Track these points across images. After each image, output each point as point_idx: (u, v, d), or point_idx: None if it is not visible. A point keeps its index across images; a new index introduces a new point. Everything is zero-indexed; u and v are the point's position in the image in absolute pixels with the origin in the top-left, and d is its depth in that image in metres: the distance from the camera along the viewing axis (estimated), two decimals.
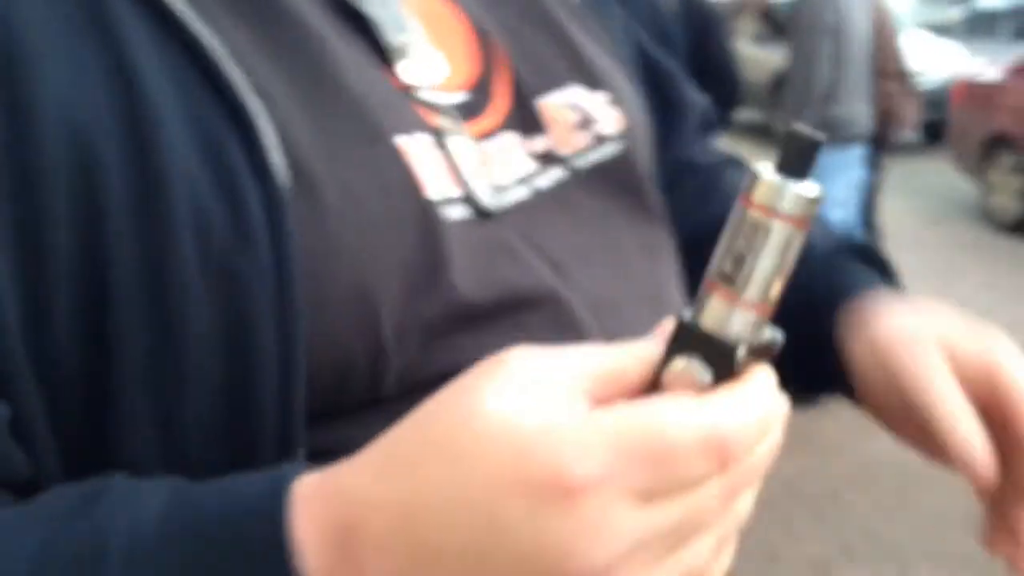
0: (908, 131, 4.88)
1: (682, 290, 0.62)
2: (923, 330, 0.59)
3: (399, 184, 0.47)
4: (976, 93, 7.24)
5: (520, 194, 0.54)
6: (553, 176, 0.56)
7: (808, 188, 0.38)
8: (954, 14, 12.10)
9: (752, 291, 0.38)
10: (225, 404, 0.41)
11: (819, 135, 0.38)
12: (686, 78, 0.79)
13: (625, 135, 0.60)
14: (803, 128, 0.37)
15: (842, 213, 4.22)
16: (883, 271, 0.71)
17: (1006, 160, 6.76)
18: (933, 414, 0.54)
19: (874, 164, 4.43)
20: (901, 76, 4.51)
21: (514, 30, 0.59)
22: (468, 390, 0.35)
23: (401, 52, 0.52)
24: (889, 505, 3.22)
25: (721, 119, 4.98)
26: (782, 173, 0.37)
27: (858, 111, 4.14)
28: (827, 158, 4.11)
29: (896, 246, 5.19)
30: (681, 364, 0.38)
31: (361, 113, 0.47)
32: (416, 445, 0.35)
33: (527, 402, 0.34)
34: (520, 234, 0.52)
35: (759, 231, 0.37)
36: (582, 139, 0.58)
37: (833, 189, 4.16)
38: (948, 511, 3.30)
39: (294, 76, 0.46)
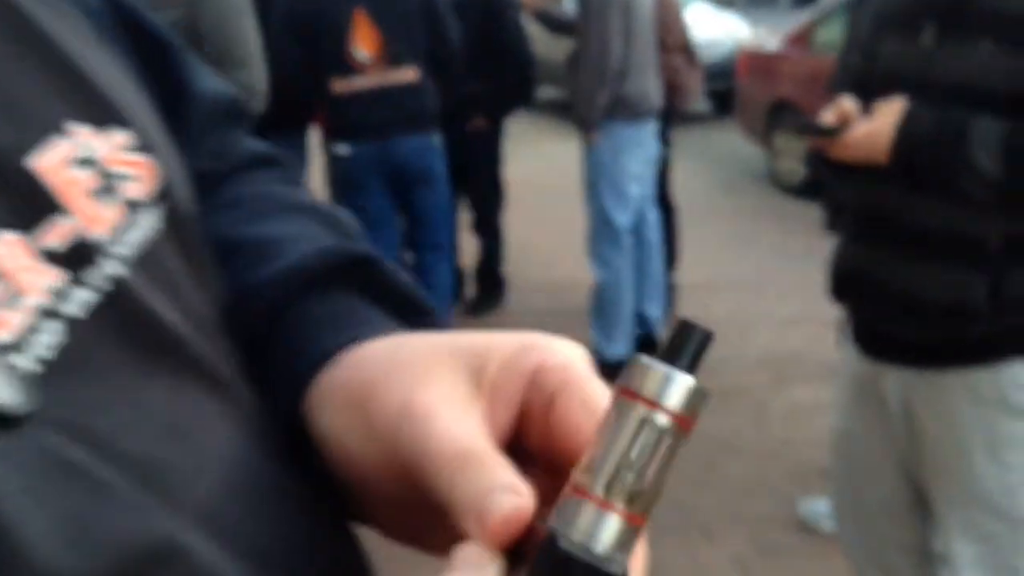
0: (694, 103, 4.99)
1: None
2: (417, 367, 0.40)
3: None
4: (759, 63, 7.54)
5: (51, 341, 0.34)
6: (97, 283, 0.37)
7: (692, 383, 0.33)
8: None
9: (634, 500, 0.33)
10: None
11: (710, 329, 0.34)
12: (191, 60, 0.57)
13: (161, 197, 0.42)
14: (694, 321, 0.34)
15: (639, 188, 4.27)
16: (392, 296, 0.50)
17: (788, 126, 7.06)
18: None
19: (664, 136, 4.50)
20: (686, 49, 4.60)
21: None
22: None
23: None
24: (695, 476, 3.27)
25: (517, 99, 4.96)
26: (669, 362, 0.33)
27: (649, 86, 4.19)
28: (623, 133, 4.15)
29: (691, 215, 5.33)
30: None
31: None
32: None
33: None
34: (76, 431, 0.33)
35: (638, 427, 0.33)
36: (111, 212, 0.38)
37: (631, 165, 4.21)
38: (749, 479, 3.39)
39: None
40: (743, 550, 3.00)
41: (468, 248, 5.11)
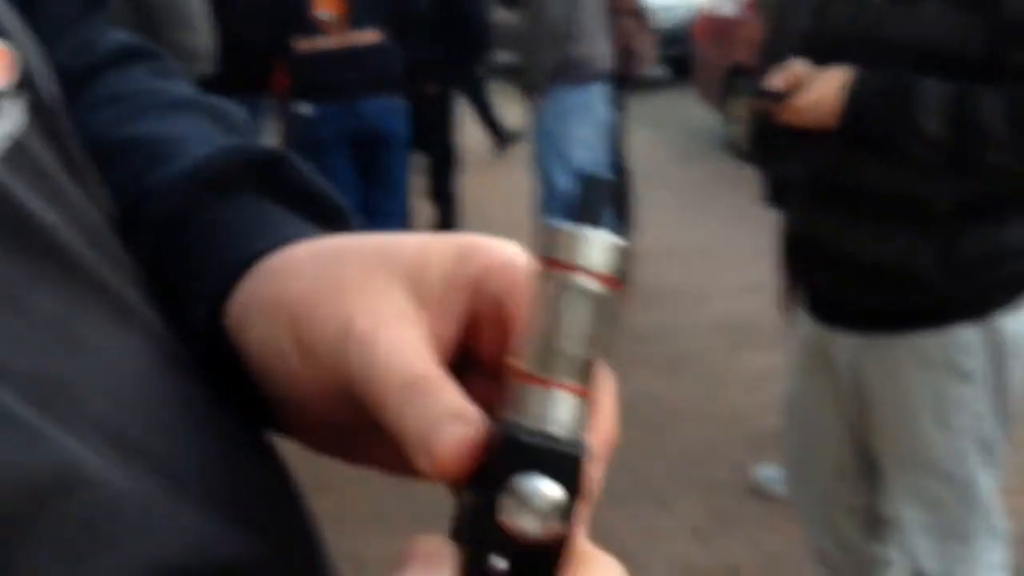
0: (647, 67, 4.97)
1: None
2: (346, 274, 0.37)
3: None
4: (715, 27, 7.52)
5: None
6: None
7: (611, 236, 0.32)
8: None
9: (577, 373, 0.31)
10: None
11: (612, 178, 0.33)
12: None
13: (22, 86, 0.38)
14: (596, 173, 0.32)
15: (588, 153, 4.24)
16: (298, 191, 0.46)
17: (744, 92, 7.06)
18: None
19: (617, 103, 4.48)
20: (638, 13, 4.57)
21: None
22: None
23: None
24: (649, 443, 3.27)
25: (472, 65, 4.91)
26: (580, 223, 0.31)
27: (597, 49, 4.15)
28: (569, 98, 4.11)
29: (647, 182, 5.32)
30: (524, 488, 0.30)
31: None
32: None
33: None
34: None
35: (567, 294, 0.31)
36: None
37: (578, 129, 4.17)
38: (703, 446, 3.40)
39: None
40: (697, 517, 3.01)
41: (423, 214, 5.06)
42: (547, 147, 4.19)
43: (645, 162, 5.63)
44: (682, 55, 8.67)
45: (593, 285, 0.31)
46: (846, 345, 1.79)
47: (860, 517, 1.94)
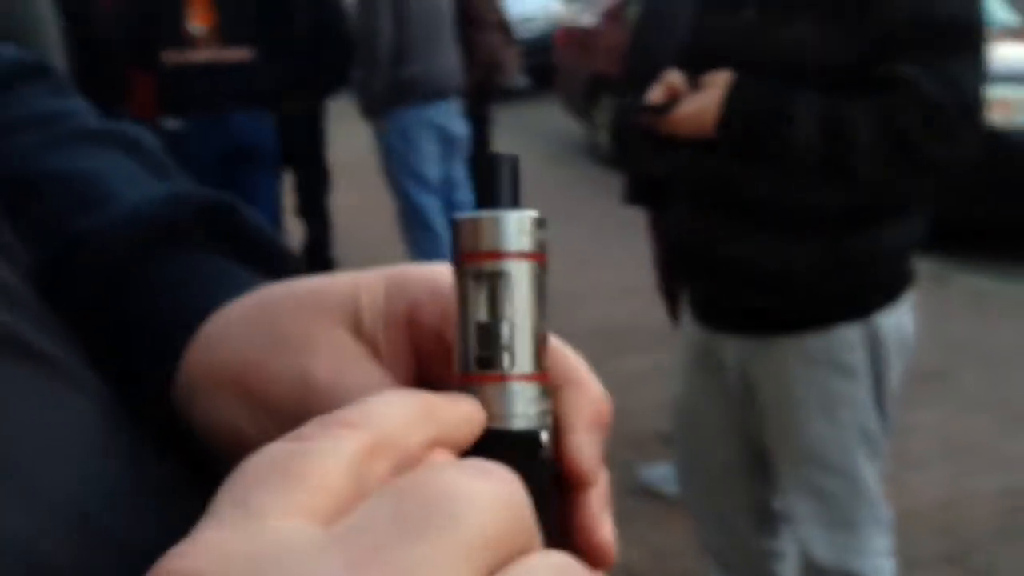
0: (511, 80, 5.02)
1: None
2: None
3: None
4: (576, 38, 7.66)
5: None
6: None
7: (527, 212, 0.31)
8: None
9: (524, 360, 0.30)
10: None
11: (510, 154, 0.32)
12: None
13: None
14: (492, 152, 0.31)
15: (437, 169, 4.26)
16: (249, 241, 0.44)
17: (607, 100, 7.20)
18: None
19: (483, 115, 4.51)
20: (502, 26, 4.60)
21: None
22: None
23: None
24: None
25: (340, 80, 4.85)
26: (490, 207, 0.31)
27: (438, 67, 4.16)
28: (410, 116, 4.12)
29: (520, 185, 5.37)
30: None
31: None
32: None
33: None
34: None
35: (499, 283, 0.30)
36: None
37: (427, 145, 4.20)
38: None
39: None
40: None
41: (295, 232, 4.96)
42: (397, 168, 4.19)
43: None
44: (544, 64, 8.80)
45: (524, 265, 0.30)
46: (733, 347, 1.85)
47: (751, 513, 2.00)
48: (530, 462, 0.30)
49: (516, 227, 0.30)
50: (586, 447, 0.33)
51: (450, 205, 4.35)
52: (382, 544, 0.23)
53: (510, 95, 5.04)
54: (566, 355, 0.35)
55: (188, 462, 0.38)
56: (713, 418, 1.95)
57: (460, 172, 4.39)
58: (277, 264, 0.44)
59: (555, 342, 0.34)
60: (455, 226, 0.31)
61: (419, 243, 4.22)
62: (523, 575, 0.24)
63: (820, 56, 1.62)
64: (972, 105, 1.57)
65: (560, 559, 0.25)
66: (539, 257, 0.31)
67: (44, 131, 0.47)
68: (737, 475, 1.97)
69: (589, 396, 0.34)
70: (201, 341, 0.37)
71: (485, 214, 0.30)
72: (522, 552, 0.25)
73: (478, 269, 0.30)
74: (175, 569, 0.22)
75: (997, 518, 2.86)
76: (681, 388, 2.02)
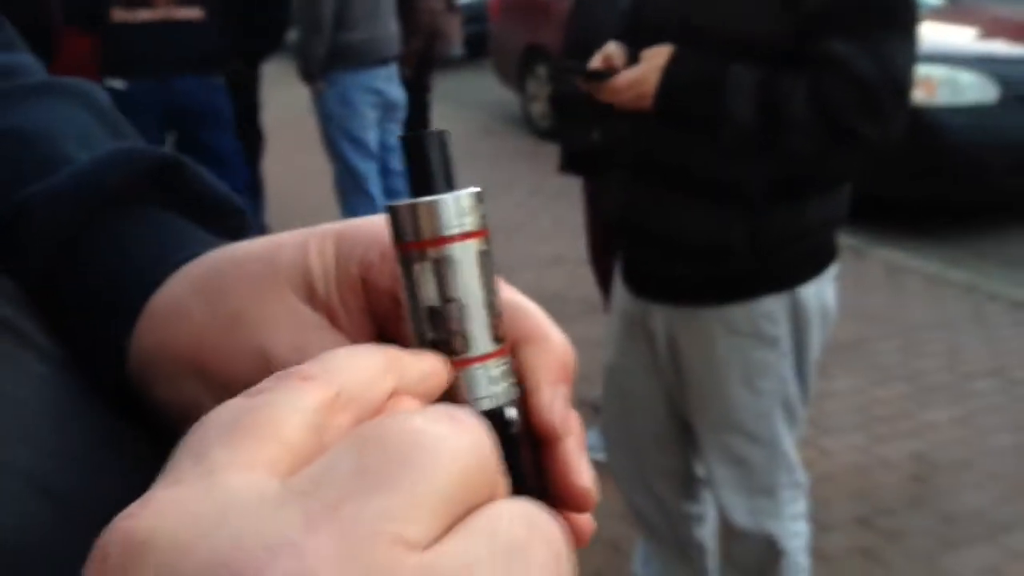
0: (454, 49, 5.00)
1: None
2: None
3: None
4: (511, 6, 7.61)
5: None
6: None
7: (464, 192, 0.30)
8: None
9: (481, 339, 0.30)
10: None
11: (438, 130, 0.30)
12: None
13: None
14: (419, 132, 0.30)
15: (375, 134, 4.25)
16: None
17: (541, 70, 7.21)
18: None
19: (422, 84, 4.49)
20: None
21: None
22: None
23: None
24: None
25: (274, 43, 4.79)
26: (426, 190, 0.30)
27: (379, 33, 4.15)
28: (349, 81, 4.10)
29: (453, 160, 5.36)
30: None
31: None
32: None
33: None
34: None
35: (445, 268, 0.29)
36: None
37: (366, 111, 4.18)
38: None
39: None
40: None
41: None
42: (335, 132, 4.17)
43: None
44: (479, 33, 8.74)
45: (474, 245, 0.30)
46: (661, 316, 1.89)
47: (675, 478, 2.05)
48: (501, 439, 0.28)
49: (455, 209, 0.29)
50: (555, 402, 0.32)
51: (386, 171, 4.35)
52: (343, 497, 0.22)
53: (445, 62, 5.00)
54: (526, 310, 0.34)
55: (147, 430, 0.38)
56: (641, 385, 2.00)
57: (396, 140, 4.39)
58: (229, 221, 0.43)
59: (515, 297, 0.34)
60: (392, 213, 0.30)
61: (355, 208, 4.21)
62: (488, 523, 0.23)
63: (759, 33, 1.64)
64: (902, 85, 1.61)
65: (525, 506, 0.25)
66: (481, 233, 0.30)
67: None
68: (662, 442, 2.03)
69: (552, 351, 0.33)
70: (153, 316, 0.36)
71: (423, 200, 0.30)
72: (488, 499, 0.24)
73: (422, 255, 0.30)
74: (127, 528, 0.22)
75: (908, 484, 2.98)
76: (611, 356, 2.06)
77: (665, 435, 2.02)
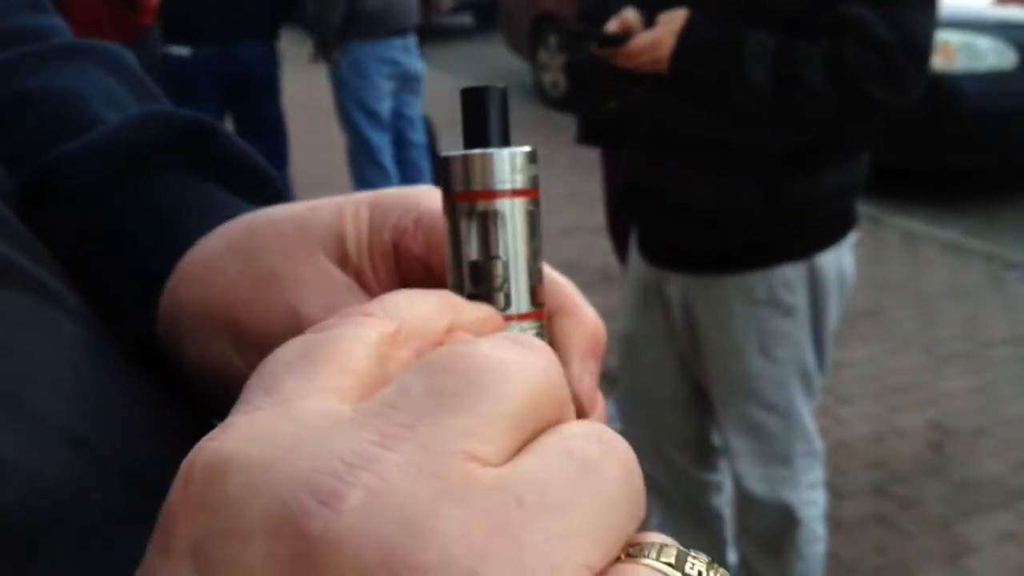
0: (443, 14, 4.97)
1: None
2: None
3: None
4: None
5: None
6: None
7: (520, 149, 0.30)
8: None
9: (521, 299, 0.30)
10: None
11: (498, 87, 0.30)
12: None
13: None
14: (481, 86, 0.30)
15: (392, 104, 4.23)
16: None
17: (552, 40, 7.16)
18: None
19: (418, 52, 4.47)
20: None
21: None
22: None
23: None
24: None
25: (285, 16, 4.77)
26: (480, 143, 0.29)
27: (399, 2, 4.13)
28: (364, 51, 4.07)
29: (457, 131, 5.34)
30: None
31: None
32: None
33: None
34: None
35: (493, 222, 0.29)
36: None
37: (381, 82, 4.16)
38: None
39: None
40: None
41: None
42: (349, 102, 4.15)
43: (455, 110, 5.65)
44: (490, 2, 8.69)
45: (524, 204, 0.30)
46: (678, 284, 1.88)
47: (691, 447, 2.05)
48: None
49: (508, 165, 0.29)
50: (585, 377, 0.33)
51: (403, 142, 4.33)
52: (416, 417, 0.22)
53: (452, 32, 4.98)
54: (559, 283, 0.34)
55: (172, 389, 0.38)
56: (657, 354, 1.99)
57: (414, 110, 4.37)
58: (260, 188, 0.44)
59: (549, 270, 0.34)
60: (444, 163, 0.30)
61: (368, 179, 4.21)
62: (560, 441, 0.24)
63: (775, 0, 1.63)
64: (922, 51, 1.59)
65: (595, 426, 0.25)
66: (532, 192, 0.30)
67: (22, 47, 0.46)
68: (678, 410, 2.02)
69: (584, 324, 0.34)
70: (186, 272, 0.37)
71: (476, 152, 0.29)
72: (558, 421, 0.25)
73: (470, 208, 0.29)
74: (211, 450, 0.22)
75: (923, 452, 2.97)
76: (627, 324, 2.05)
77: (681, 403, 2.01)
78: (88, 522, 0.30)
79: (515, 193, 0.29)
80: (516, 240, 0.30)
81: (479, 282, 0.30)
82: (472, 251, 0.30)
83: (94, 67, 0.46)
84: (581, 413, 0.32)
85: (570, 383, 0.31)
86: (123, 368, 0.36)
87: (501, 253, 0.30)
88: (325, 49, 4.10)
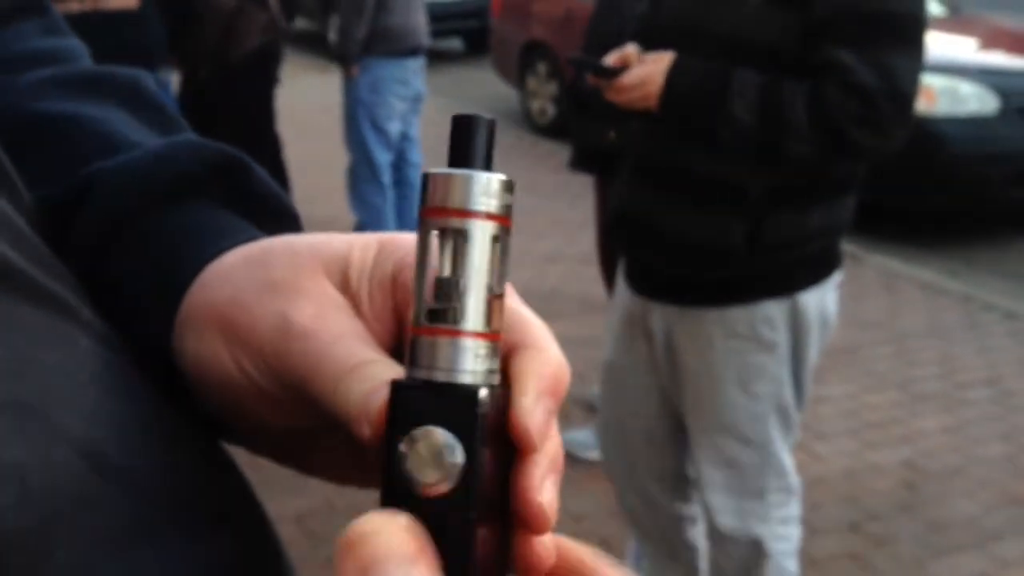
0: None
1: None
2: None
3: None
4: (512, 3, 7.61)
5: None
6: None
7: (497, 175, 0.31)
8: None
9: (474, 317, 0.31)
10: None
11: (489, 117, 0.31)
12: None
13: None
14: (472, 113, 0.31)
15: (400, 126, 4.24)
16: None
17: (541, 67, 7.21)
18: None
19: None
20: None
21: None
22: None
23: None
24: None
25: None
26: (463, 166, 0.31)
27: (413, 22, 4.16)
28: (382, 69, 4.09)
29: (442, 153, 5.36)
30: (413, 440, 0.29)
31: None
32: None
33: None
34: None
35: (461, 240, 0.30)
36: None
37: (392, 101, 4.17)
38: None
39: None
40: None
41: None
42: (361, 118, 4.16)
43: (444, 134, 5.67)
44: (479, 29, 8.74)
45: (493, 228, 0.31)
46: (661, 315, 1.90)
47: (667, 479, 2.06)
48: (466, 417, 0.29)
49: (484, 188, 0.30)
50: (535, 411, 0.32)
51: (404, 161, 4.35)
52: None
53: (444, 56, 5.00)
54: (529, 321, 0.34)
55: (188, 404, 0.39)
56: (639, 383, 2.00)
57: (416, 130, 4.39)
58: (285, 223, 0.45)
59: (519, 306, 0.35)
60: (426, 179, 0.31)
61: (365, 198, 4.22)
62: None
63: (766, 40, 1.66)
64: (906, 96, 1.62)
65: None
66: (503, 220, 0.31)
67: (42, 71, 0.47)
68: (655, 441, 2.03)
69: (547, 363, 0.33)
70: (201, 282, 0.38)
71: (457, 171, 0.31)
72: None
73: (443, 224, 0.31)
74: None
75: (898, 490, 2.99)
76: (611, 353, 2.06)
77: (658, 435, 2.02)
78: (95, 532, 0.30)
79: (488, 216, 0.31)
80: (480, 261, 0.31)
81: (440, 296, 0.31)
82: (438, 266, 0.31)
83: (111, 101, 0.47)
84: (528, 448, 0.32)
85: (520, 416, 0.32)
86: (138, 382, 0.37)
87: (464, 271, 0.31)
88: (345, 62, 4.11)
